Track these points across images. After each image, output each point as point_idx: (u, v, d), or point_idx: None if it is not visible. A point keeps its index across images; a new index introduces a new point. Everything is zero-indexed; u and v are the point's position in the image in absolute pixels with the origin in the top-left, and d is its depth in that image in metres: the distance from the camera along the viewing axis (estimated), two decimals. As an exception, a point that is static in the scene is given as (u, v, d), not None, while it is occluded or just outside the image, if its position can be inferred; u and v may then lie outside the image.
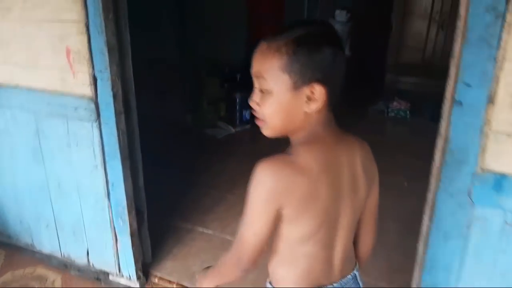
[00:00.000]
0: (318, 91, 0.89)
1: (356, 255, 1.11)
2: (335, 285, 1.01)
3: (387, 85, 6.05)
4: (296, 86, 0.89)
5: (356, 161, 0.98)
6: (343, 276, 1.03)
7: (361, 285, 1.08)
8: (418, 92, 5.75)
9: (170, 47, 4.22)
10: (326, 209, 0.92)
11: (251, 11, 5.25)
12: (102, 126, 1.87)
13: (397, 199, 3.02)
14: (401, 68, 6.37)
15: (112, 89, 1.79)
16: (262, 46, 0.92)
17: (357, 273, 1.08)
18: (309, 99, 0.90)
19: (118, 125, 1.85)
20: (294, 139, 0.96)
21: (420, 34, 6.19)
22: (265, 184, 0.89)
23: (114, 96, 1.80)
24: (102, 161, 1.94)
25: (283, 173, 0.89)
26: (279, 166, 0.90)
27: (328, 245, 0.97)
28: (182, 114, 4.29)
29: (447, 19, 5.97)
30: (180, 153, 3.72)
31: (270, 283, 1.05)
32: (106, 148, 1.91)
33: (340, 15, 8.13)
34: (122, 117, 1.87)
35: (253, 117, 4.08)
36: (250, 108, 0.99)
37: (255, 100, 0.97)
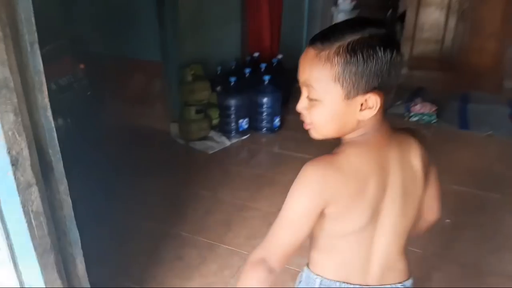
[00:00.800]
0: (374, 100, 0.82)
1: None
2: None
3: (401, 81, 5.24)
4: (349, 96, 0.82)
5: (410, 160, 0.90)
6: (381, 283, 0.93)
7: None
8: (437, 89, 4.97)
9: (150, 45, 3.40)
10: (372, 209, 0.87)
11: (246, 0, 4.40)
12: (3, 206, 1.10)
13: (442, 247, 2.27)
14: (416, 61, 5.56)
15: (9, 150, 0.99)
16: (310, 53, 0.83)
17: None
18: (364, 107, 0.83)
19: (25, 205, 1.07)
20: (345, 138, 0.89)
21: (437, 25, 5.36)
22: (309, 185, 0.84)
23: (14, 162, 1.02)
24: (10, 257, 1.17)
25: (328, 172, 0.84)
26: (324, 165, 0.85)
27: (368, 245, 0.90)
28: (165, 124, 3.49)
29: (467, 9, 5.15)
30: (158, 178, 2.92)
31: (308, 265, 1.00)
32: (12, 240, 1.14)
33: (344, 4, 7.26)
34: (34, 191, 1.07)
35: (251, 125, 3.74)
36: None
37: (302, 106, 0.89)
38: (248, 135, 3.53)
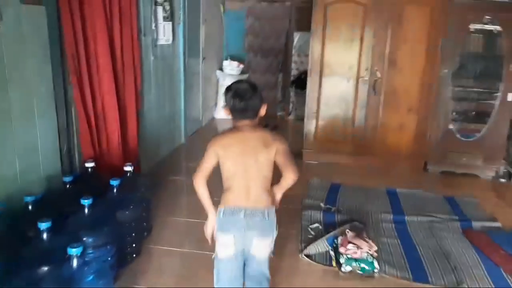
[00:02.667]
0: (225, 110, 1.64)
1: (281, 186, 1.64)
2: (248, 210, 1.57)
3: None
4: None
5: (259, 142, 1.57)
6: (254, 207, 1.58)
7: (268, 218, 1.59)
8: (353, 181, 3.47)
9: None
10: (238, 162, 1.57)
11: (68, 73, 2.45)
12: None
13: None
14: (324, 146, 4.06)
15: None
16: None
17: (266, 211, 1.59)
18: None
19: None
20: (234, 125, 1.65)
21: (345, 98, 3.94)
22: (210, 145, 1.59)
23: None
24: None
25: (218, 140, 1.60)
26: (217, 138, 1.61)
27: (244, 185, 1.57)
28: None
29: (380, 79, 3.82)
30: None
31: (219, 205, 1.63)
32: None
33: (230, 67, 5.67)
34: None
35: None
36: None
37: None
38: None
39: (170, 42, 3.88)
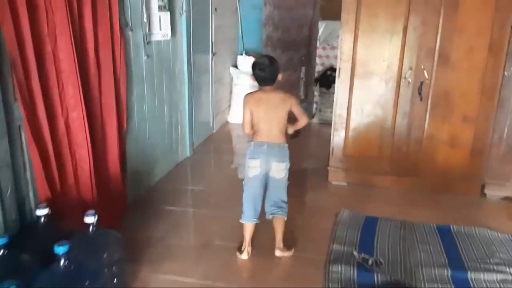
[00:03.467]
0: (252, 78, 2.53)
1: (295, 126, 2.23)
2: (269, 143, 2.13)
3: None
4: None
5: (278, 100, 2.12)
6: (274, 142, 2.14)
7: (283, 148, 2.16)
8: (391, 211, 2.66)
9: None
10: (265, 114, 2.12)
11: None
12: None
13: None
14: (353, 163, 3.27)
15: None
16: None
17: (282, 144, 2.16)
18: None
19: None
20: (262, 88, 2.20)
21: (384, 104, 3.12)
22: (245, 99, 2.17)
23: None
24: None
25: (250, 96, 2.16)
26: (249, 95, 2.18)
27: (267, 129, 2.12)
28: None
29: (427, 80, 2.98)
30: None
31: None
32: None
33: (246, 63, 4.88)
34: None
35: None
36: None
37: None
38: None
39: (168, 37, 3.15)
